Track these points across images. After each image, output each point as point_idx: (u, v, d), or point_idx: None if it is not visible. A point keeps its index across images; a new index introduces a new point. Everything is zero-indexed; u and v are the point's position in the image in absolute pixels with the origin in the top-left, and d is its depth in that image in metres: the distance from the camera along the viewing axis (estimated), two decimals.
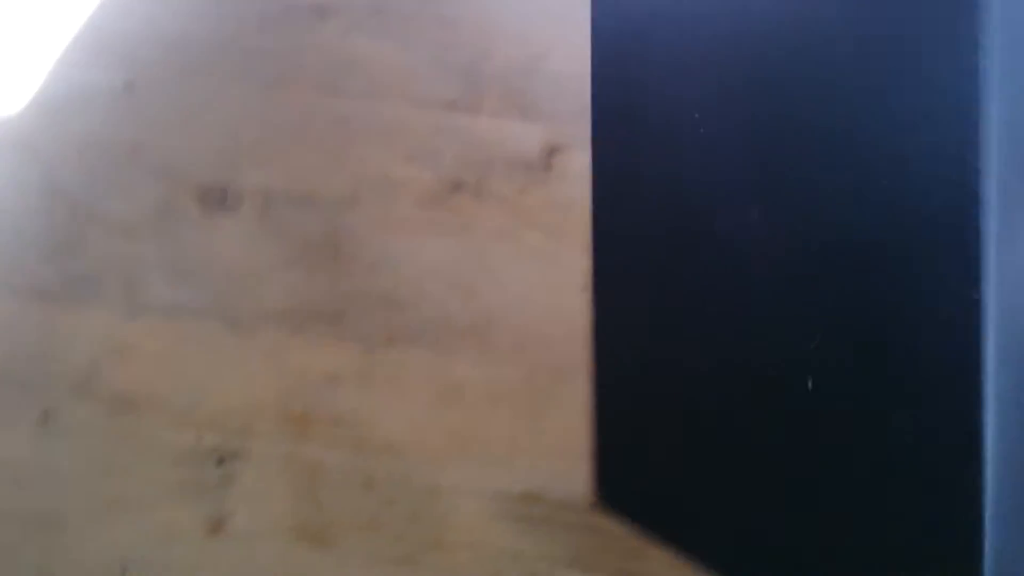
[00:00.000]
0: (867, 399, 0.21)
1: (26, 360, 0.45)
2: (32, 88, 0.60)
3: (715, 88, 0.26)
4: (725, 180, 0.26)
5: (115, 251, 0.49)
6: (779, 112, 0.25)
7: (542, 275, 0.49)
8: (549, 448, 0.43)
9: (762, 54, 0.24)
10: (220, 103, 0.59)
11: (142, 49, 0.63)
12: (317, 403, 0.43)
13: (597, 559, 0.39)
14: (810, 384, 0.22)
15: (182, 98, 0.59)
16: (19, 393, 0.44)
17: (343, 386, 0.44)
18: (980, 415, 0.19)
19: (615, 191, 0.31)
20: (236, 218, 0.52)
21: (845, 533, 0.22)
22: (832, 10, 0.22)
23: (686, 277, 0.28)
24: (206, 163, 0.55)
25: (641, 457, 0.29)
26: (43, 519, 0.41)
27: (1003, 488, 0.19)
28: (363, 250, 0.51)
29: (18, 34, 0.65)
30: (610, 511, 0.30)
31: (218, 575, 0.41)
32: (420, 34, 0.68)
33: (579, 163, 0.62)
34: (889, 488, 0.21)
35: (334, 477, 0.41)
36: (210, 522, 0.40)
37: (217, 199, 0.53)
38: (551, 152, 0.59)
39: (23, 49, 0.64)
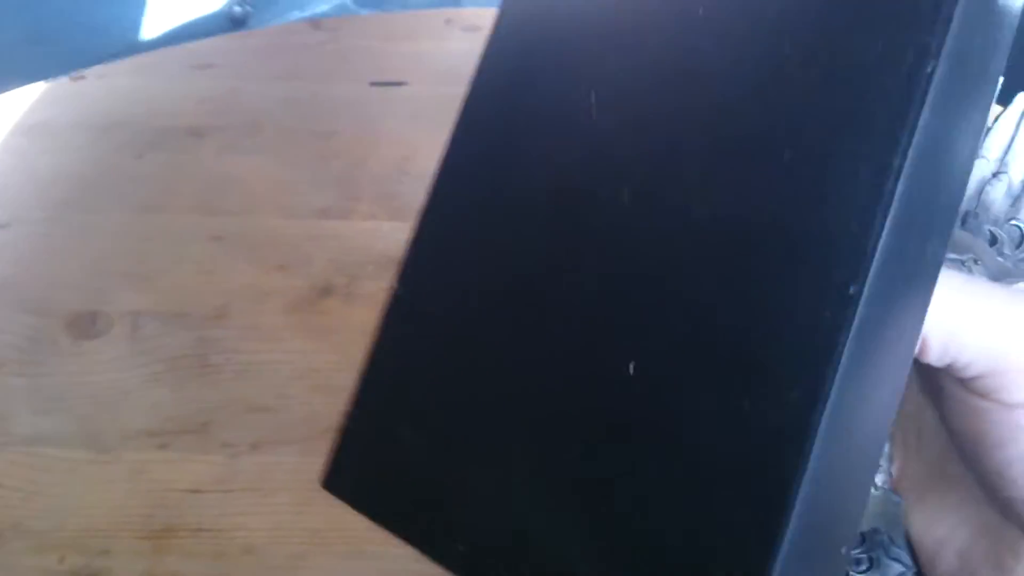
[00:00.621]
0: (694, 387, 0.22)
1: None
2: None
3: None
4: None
5: None
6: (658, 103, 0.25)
7: None
8: None
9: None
10: (93, 232, 0.61)
11: (17, 189, 0.65)
12: (179, 516, 0.44)
13: None
14: (631, 368, 0.22)
15: (55, 232, 0.61)
16: None
17: (205, 496, 0.45)
18: (817, 416, 0.19)
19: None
20: (104, 342, 0.53)
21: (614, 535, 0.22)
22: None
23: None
24: (77, 292, 0.56)
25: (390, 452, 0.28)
26: None
27: (810, 505, 0.19)
28: (230, 361, 0.52)
29: None
30: (335, 495, 0.28)
31: None
32: (296, 148, 0.71)
33: None
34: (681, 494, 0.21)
35: None
36: None
37: (86, 325, 0.54)
38: None
39: None
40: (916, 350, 0.24)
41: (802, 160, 0.22)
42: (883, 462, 0.33)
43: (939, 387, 0.28)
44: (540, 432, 0.24)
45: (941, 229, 0.23)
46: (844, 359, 0.19)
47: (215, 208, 0.64)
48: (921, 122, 0.20)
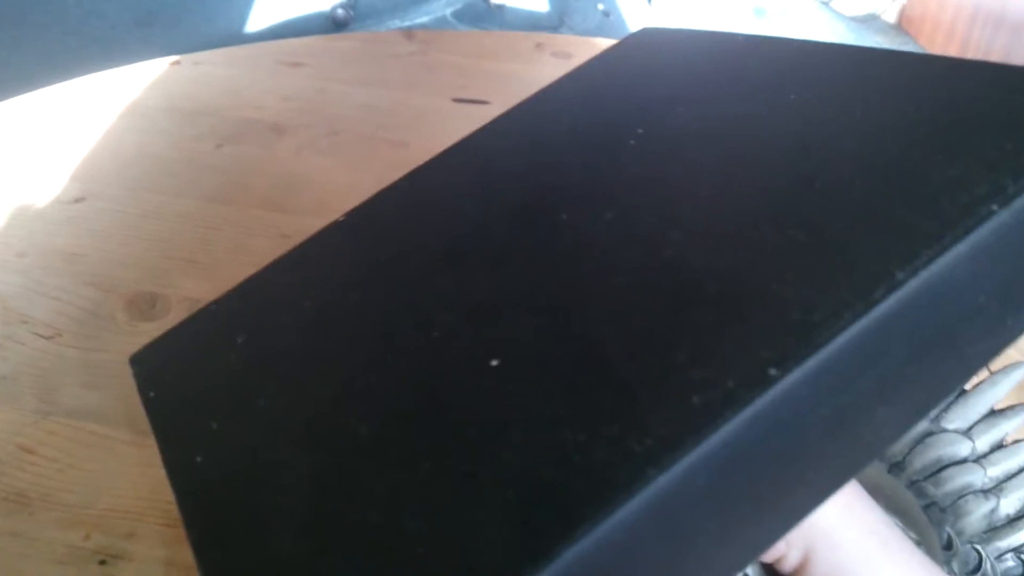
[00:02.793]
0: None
1: None
2: None
3: None
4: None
5: (36, 354, 0.51)
6: None
7: None
8: None
9: None
10: (164, 215, 0.62)
11: (98, 165, 0.67)
12: None
13: None
14: (495, 362, 0.21)
15: (128, 210, 0.62)
16: None
17: None
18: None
19: None
20: (160, 326, 0.54)
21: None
22: None
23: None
24: (140, 272, 0.57)
25: None
26: None
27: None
28: None
29: None
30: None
31: None
32: (370, 155, 0.71)
33: None
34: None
35: None
36: None
37: (145, 307, 0.55)
38: None
39: None
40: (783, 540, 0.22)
41: (804, 239, 0.21)
42: None
43: None
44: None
45: (906, 399, 0.21)
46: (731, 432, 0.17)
47: (284, 206, 0.64)
48: (951, 255, 0.19)
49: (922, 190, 0.20)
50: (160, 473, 0.48)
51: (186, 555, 0.44)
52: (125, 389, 0.51)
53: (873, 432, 0.20)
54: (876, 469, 0.34)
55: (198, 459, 0.24)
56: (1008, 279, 0.20)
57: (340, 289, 0.28)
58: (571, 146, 0.29)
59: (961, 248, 0.19)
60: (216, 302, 0.31)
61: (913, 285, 0.18)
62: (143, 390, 0.28)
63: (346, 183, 0.68)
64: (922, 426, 0.34)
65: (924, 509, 0.33)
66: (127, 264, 0.58)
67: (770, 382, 0.18)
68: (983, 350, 0.21)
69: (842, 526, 0.24)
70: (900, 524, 0.32)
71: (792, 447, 0.19)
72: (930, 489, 0.33)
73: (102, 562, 0.42)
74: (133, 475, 0.46)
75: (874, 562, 0.24)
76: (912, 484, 0.34)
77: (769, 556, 0.25)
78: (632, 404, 0.18)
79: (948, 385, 0.21)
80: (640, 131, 0.27)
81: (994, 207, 0.19)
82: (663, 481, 0.17)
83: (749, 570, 0.28)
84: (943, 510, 0.33)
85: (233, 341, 0.28)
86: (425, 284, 0.26)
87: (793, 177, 0.22)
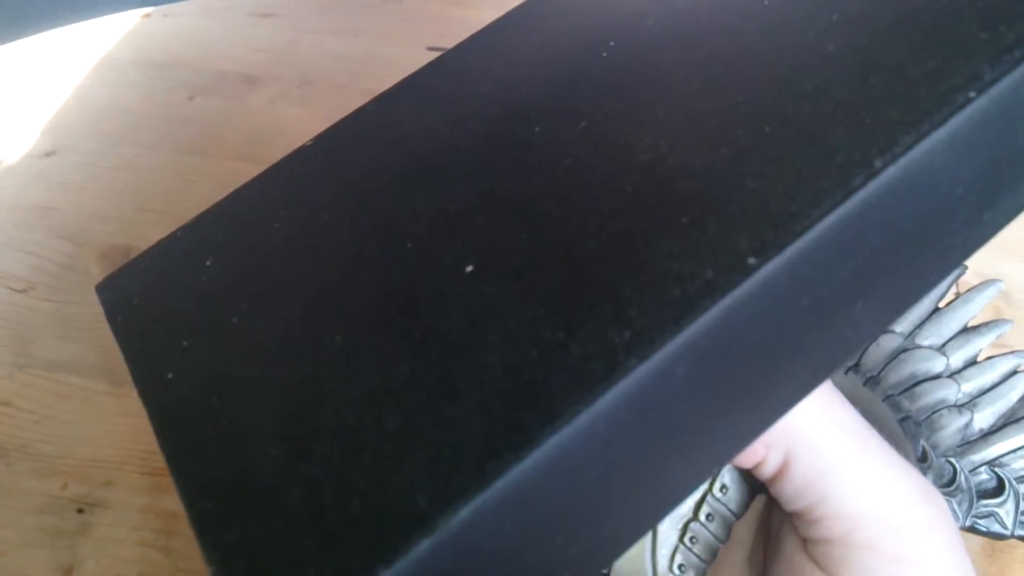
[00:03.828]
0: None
1: None
2: None
3: None
4: None
5: (11, 307, 0.51)
6: None
7: None
8: None
9: None
10: (137, 168, 0.61)
11: (69, 119, 0.66)
12: None
13: None
14: (470, 268, 0.21)
15: (100, 164, 0.62)
16: None
17: None
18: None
19: None
20: None
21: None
22: None
23: None
24: (114, 225, 0.57)
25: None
26: None
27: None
28: None
29: None
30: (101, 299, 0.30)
31: None
32: (345, 104, 0.70)
33: None
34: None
35: (187, 527, 0.41)
36: (61, 568, 0.40)
37: (119, 259, 0.54)
38: None
39: None
40: (755, 445, 0.22)
41: (781, 135, 0.20)
42: None
43: (776, 550, 0.26)
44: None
45: (884, 294, 0.21)
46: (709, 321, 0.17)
47: (258, 157, 0.64)
48: (929, 143, 0.19)
49: (899, 82, 0.20)
50: (137, 422, 0.48)
51: (164, 502, 0.44)
52: (101, 341, 0.51)
53: (852, 327, 0.20)
54: (852, 382, 0.34)
55: (169, 376, 0.24)
56: (986, 171, 0.20)
57: (310, 209, 0.28)
58: (541, 62, 0.29)
59: (939, 135, 0.19)
60: (181, 228, 0.31)
61: (892, 173, 0.18)
62: (111, 315, 0.28)
63: None
64: (896, 342, 0.34)
65: (899, 422, 0.33)
66: (100, 217, 0.57)
67: (749, 271, 0.18)
68: (961, 244, 0.21)
69: (821, 429, 0.23)
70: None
71: (772, 338, 0.19)
72: (905, 403, 0.34)
73: (80, 510, 0.42)
74: (110, 425, 0.46)
75: (854, 463, 0.23)
76: (887, 398, 0.34)
77: (748, 461, 0.24)
78: (611, 300, 0.18)
79: (926, 281, 0.21)
80: (612, 43, 0.27)
81: (972, 94, 0.19)
82: (643, 371, 0.17)
83: (727, 479, 0.28)
84: (918, 423, 0.33)
85: (202, 263, 0.28)
86: (397, 199, 0.26)
87: (768, 77, 0.22)
